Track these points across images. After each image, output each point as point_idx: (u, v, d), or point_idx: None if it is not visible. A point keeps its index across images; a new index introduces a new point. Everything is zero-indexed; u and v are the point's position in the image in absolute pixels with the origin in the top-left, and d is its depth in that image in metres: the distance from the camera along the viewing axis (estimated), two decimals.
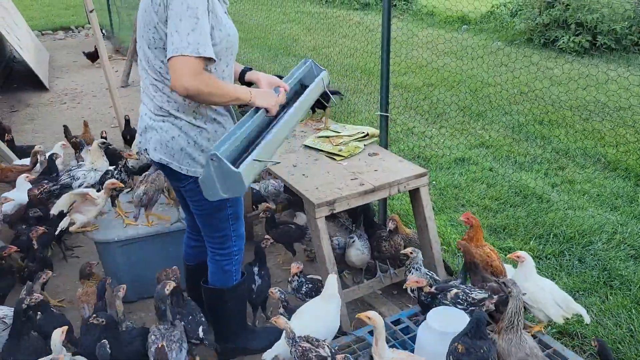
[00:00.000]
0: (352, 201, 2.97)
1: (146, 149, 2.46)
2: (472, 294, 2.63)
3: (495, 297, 2.60)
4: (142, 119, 2.44)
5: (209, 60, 2.11)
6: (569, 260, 3.65)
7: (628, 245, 3.75)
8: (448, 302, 2.59)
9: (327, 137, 3.58)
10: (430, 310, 2.46)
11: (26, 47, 8.46)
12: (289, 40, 9.84)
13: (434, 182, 4.80)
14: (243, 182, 2.01)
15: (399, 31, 7.85)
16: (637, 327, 2.96)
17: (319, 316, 2.56)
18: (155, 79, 2.28)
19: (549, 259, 3.69)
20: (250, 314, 3.13)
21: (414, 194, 3.24)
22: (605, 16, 8.67)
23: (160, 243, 3.39)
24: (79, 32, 12.85)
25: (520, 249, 3.75)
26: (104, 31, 11.70)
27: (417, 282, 2.71)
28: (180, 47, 2.02)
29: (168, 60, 2.07)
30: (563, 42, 8.73)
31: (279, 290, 2.89)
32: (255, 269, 3.19)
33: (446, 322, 2.34)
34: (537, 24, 9.25)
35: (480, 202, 4.45)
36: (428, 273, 2.91)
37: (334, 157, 3.36)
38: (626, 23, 8.57)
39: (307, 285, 3.00)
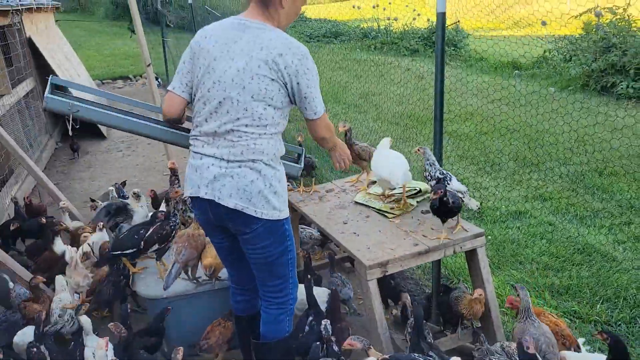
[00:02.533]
0: (405, 263, 2.85)
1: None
2: None
3: None
4: (207, 170, 2.47)
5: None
6: None
7: None
8: None
9: (378, 194, 3.49)
10: None
11: (87, 96, 8.86)
12: (338, 87, 9.93)
13: (489, 237, 4.60)
14: None
15: (449, 78, 7.81)
16: None
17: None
18: (247, 125, 2.41)
19: (619, 325, 3.42)
20: None
21: (471, 254, 3.09)
22: None
23: (208, 300, 3.35)
24: (137, 80, 13.45)
25: (587, 314, 3.52)
26: (159, 80, 12.19)
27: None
28: (322, 108, 2.54)
29: (315, 119, 2.53)
30: (621, 87, 8.44)
31: (358, 339, 2.63)
32: (310, 318, 3.11)
33: None
34: (592, 69, 9.01)
35: (540, 260, 4.22)
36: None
37: (386, 214, 3.26)
38: None
39: None
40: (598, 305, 3.62)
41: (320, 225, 3.24)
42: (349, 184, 3.79)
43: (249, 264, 2.69)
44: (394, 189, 3.41)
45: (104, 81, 13.12)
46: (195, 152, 2.55)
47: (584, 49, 9.68)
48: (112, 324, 2.99)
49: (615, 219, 4.82)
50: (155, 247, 3.46)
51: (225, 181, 2.43)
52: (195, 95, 2.54)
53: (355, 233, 3.08)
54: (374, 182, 3.67)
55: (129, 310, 3.14)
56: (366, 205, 3.39)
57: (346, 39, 15.86)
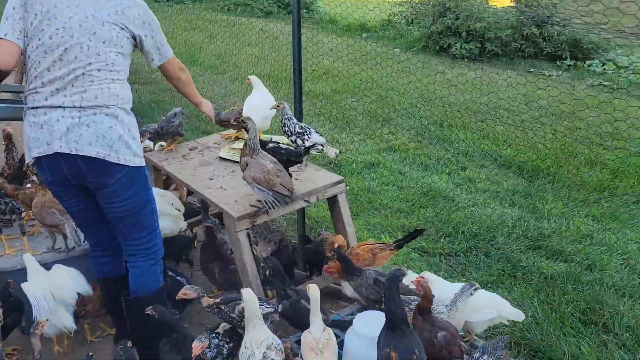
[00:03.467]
0: (272, 212, 2.97)
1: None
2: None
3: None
4: (58, 123, 2.34)
5: None
6: (476, 255, 3.90)
7: (526, 238, 4.06)
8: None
9: (241, 148, 3.54)
10: (357, 315, 2.51)
11: None
12: (193, 49, 9.64)
13: (347, 187, 4.90)
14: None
15: (304, 38, 8.02)
16: (539, 315, 3.22)
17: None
18: (100, 69, 2.39)
19: (459, 255, 3.91)
20: None
21: (332, 201, 3.31)
22: (492, 24, 9.36)
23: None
24: None
25: (432, 248, 3.97)
26: None
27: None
28: (171, 51, 2.73)
29: (170, 59, 2.71)
30: (456, 48, 9.31)
31: (192, 288, 2.63)
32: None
33: (373, 326, 2.39)
34: (431, 31, 9.79)
35: (392, 205, 4.62)
36: None
37: None
38: (510, 31, 9.31)
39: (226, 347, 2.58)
40: (441, 240, 4.09)
41: (185, 182, 3.23)
42: (212, 142, 3.79)
43: (107, 222, 2.64)
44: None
45: None
46: (36, 108, 2.39)
47: (424, 13, 10.46)
48: None
49: (453, 165, 5.42)
50: None
51: (82, 131, 2.35)
52: (28, 45, 2.37)
53: (222, 187, 3.13)
54: (237, 138, 3.72)
55: None
56: (231, 160, 3.43)
57: None
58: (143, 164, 2.56)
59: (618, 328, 3.10)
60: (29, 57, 2.39)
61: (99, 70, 2.39)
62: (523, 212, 4.47)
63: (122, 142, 2.42)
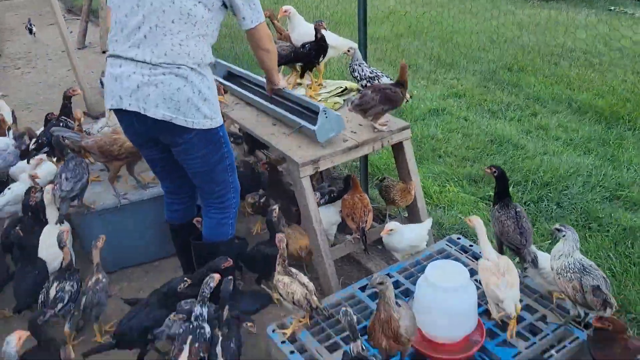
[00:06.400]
0: (336, 159, 2.92)
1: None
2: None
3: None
4: (129, 79, 2.30)
5: None
6: (548, 205, 3.71)
7: (603, 188, 3.83)
8: None
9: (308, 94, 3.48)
10: (429, 265, 2.42)
11: None
12: None
13: (411, 135, 4.76)
14: (343, 122, 2.95)
15: None
16: (616, 267, 3.05)
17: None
18: (174, 21, 2.24)
19: (529, 205, 3.74)
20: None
21: (397, 148, 3.21)
22: None
23: (140, 211, 3.29)
24: None
25: None
26: None
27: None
28: (261, 16, 2.46)
29: (256, 26, 2.45)
30: None
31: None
32: None
33: (445, 276, 2.29)
34: None
35: (457, 153, 4.46)
36: None
37: None
38: None
39: None
40: (510, 189, 3.91)
41: (249, 128, 3.21)
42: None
43: (184, 172, 2.64)
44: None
45: None
46: (114, 57, 2.36)
47: None
48: None
49: (523, 111, 5.14)
50: None
51: (150, 90, 2.27)
52: None
53: (285, 133, 3.09)
54: (299, 84, 3.64)
55: None
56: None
57: None
58: (215, 125, 2.43)
59: None
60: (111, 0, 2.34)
61: (172, 22, 2.23)
62: (599, 161, 4.20)
63: (190, 105, 2.32)
